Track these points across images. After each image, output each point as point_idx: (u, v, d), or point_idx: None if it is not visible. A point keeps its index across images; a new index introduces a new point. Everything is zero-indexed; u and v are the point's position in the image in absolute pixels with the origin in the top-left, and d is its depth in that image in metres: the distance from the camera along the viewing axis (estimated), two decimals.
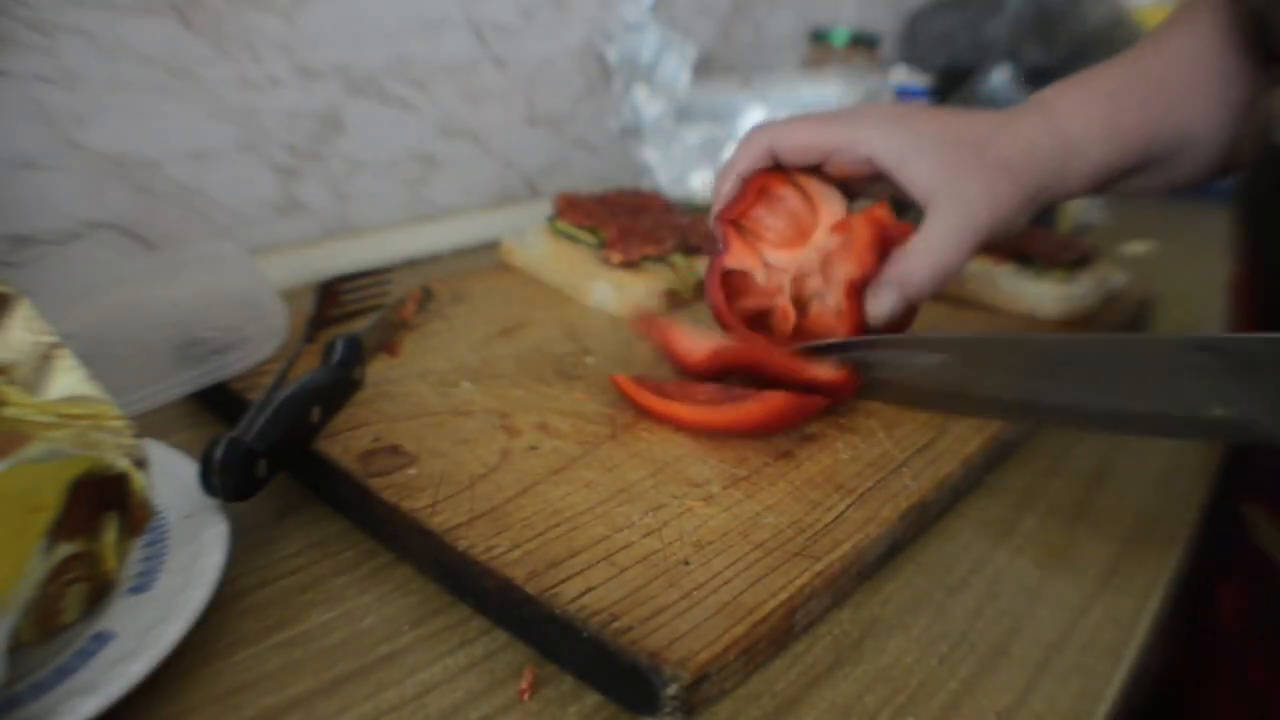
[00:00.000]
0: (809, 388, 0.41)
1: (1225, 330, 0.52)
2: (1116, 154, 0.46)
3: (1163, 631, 0.36)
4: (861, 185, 0.45)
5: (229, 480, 0.32)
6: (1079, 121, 0.45)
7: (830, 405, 0.42)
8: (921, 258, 0.41)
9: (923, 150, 0.41)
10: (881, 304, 0.41)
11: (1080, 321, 0.58)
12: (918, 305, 0.43)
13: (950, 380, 0.41)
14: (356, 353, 0.43)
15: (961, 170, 0.41)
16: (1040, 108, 0.45)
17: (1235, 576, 0.47)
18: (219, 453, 0.32)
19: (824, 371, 0.41)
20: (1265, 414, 0.33)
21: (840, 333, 0.43)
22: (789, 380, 0.41)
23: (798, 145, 0.43)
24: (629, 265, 0.58)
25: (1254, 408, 0.33)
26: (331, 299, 0.52)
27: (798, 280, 0.45)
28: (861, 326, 0.43)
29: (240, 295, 0.49)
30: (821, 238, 0.44)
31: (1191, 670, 0.49)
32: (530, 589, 0.30)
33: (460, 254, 0.72)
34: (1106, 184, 0.47)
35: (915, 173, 0.41)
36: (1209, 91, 0.47)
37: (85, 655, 0.27)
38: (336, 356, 0.42)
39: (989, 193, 0.41)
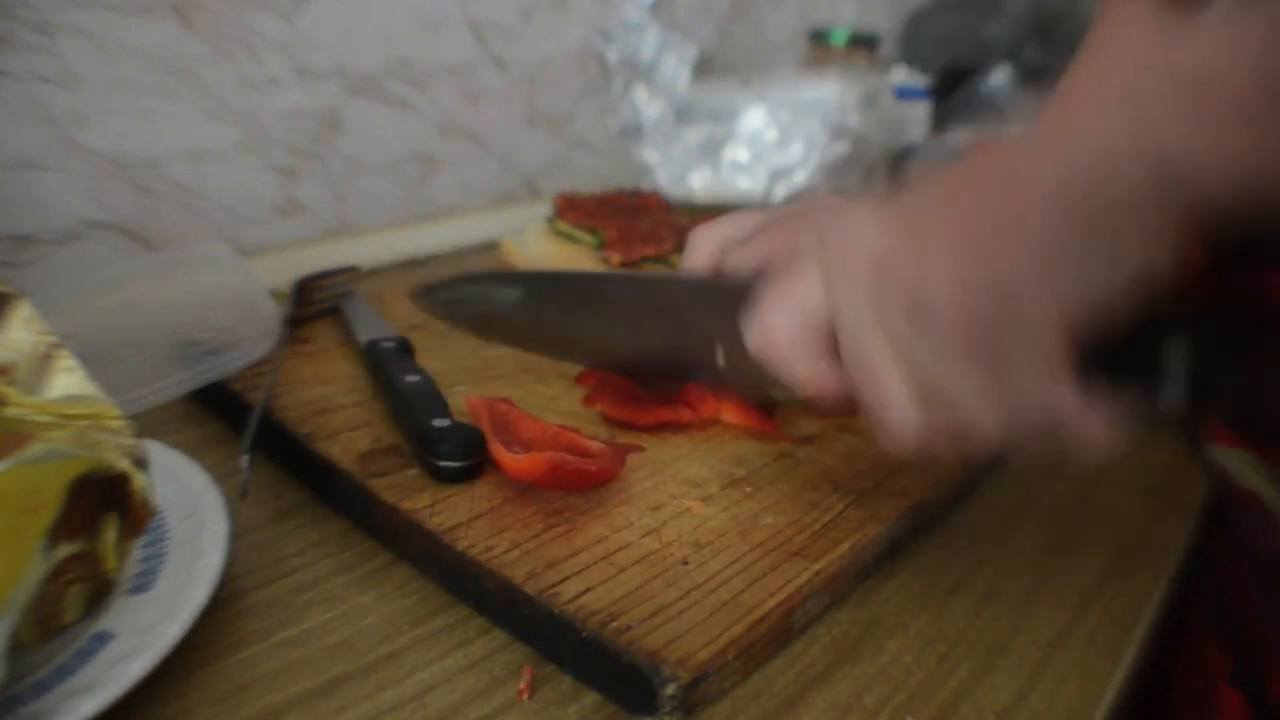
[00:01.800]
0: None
1: None
2: None
3: (1162, 631, 0.37)
4: None
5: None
6: None
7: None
8: None
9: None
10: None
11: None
12: None
13: (523, 315, 0.44)
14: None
15: None
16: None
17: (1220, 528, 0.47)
18: None
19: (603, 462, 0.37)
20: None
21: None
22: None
23: (784, 264, 0.42)
24: (628, 266, 0.58)
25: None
26: (305, 297, 0.52)
27: None
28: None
29: (234, 296, 0.49)
30: None
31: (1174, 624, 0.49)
32: (529, 589, 0.30)
33: (460, 254, 0.72)
34: None
35: None
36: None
37: (85, 655, 0.27)
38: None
39: None
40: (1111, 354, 0.26)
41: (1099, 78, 0.26)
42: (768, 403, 0.43)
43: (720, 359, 0.38)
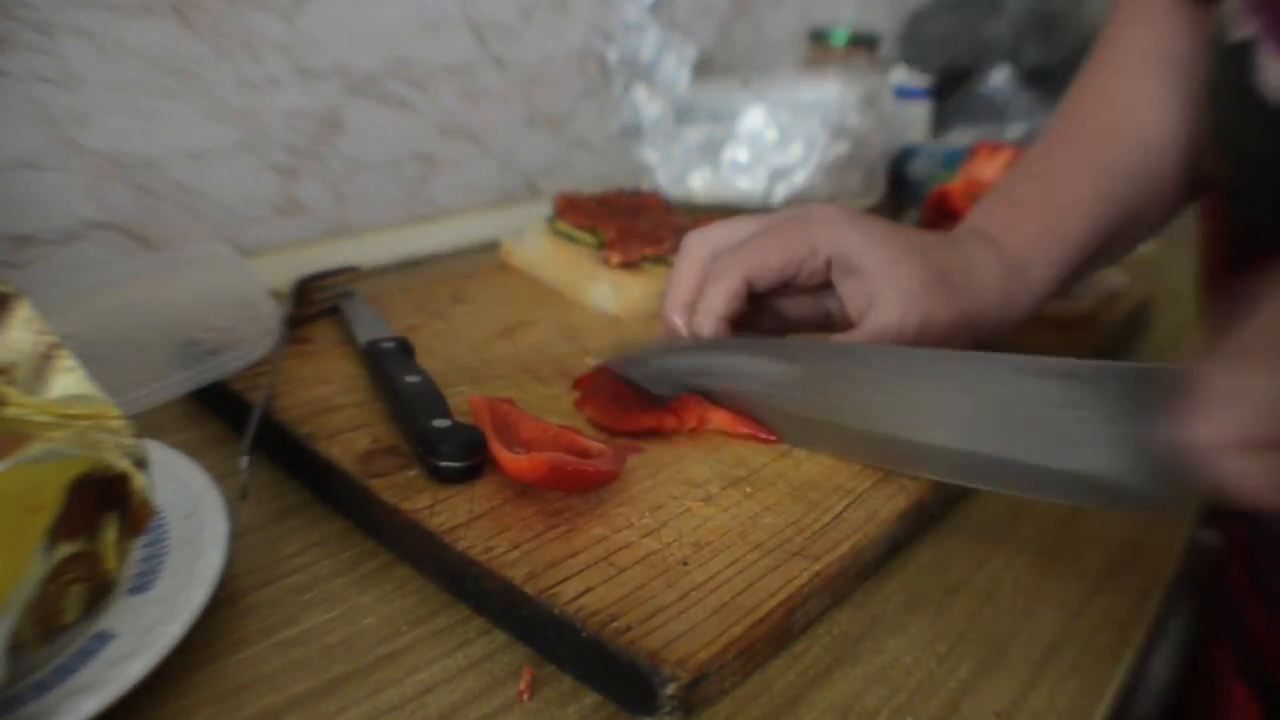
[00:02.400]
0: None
1: (1198, 278, 0.49)
2: (1062, 263, 0.45)
3: (1163, 630, 0.37)
4: (796, 304, 0.43)
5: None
6: (1017, 243, 0.44)
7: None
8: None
9: (874, 245, 0.40)
10: None
11: (1079, 322, 0.58)
12: None
13: (795, 399, 0.38)
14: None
15: (906, 267, 0.40)
16: (975, 235, 0.44)
17: (1236, 525, 0.47)
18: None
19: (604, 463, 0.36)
20: (1125, 465, 0.30)
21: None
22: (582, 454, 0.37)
23: (772, 270, 0.40)
24: (628, 266, 0.58)
25: (1114, 456, 0.30)
26: (305, 297, 0.52)
27: None
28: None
29: (234, 296, 0.49)
30: None
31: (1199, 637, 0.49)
32: (529, 589, 0.30)
33: (460, 254, 0.72)
34: (1068, 287, 0.46)
35: (869, 265, 0.40)
36: (1158, 125, 0.46)
37: (85, 655, 0.27)
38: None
39: (926, 293, 0.40)
40: None
41: None
42: None
43: (1084, 465, 0.32)
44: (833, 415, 0.38)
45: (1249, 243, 0.42)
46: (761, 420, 0.40)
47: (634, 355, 0.43)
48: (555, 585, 0.30)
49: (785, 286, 0.41)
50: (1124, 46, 0.49)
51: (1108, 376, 0.31)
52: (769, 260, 0.40)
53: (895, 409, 0.36)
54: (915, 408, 0.36)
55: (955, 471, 0.36)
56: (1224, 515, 0.47)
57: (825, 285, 0.42)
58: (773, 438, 0.40)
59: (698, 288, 0.42)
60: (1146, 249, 0.83)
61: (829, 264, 0.40)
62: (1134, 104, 0.47)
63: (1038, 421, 0.33)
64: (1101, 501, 0.32)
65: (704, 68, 0.90)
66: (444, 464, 0.36)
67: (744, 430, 0.40)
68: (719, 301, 0.40)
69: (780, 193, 0.78)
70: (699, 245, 0.42)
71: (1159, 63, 0.46)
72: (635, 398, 0.42)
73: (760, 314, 0.43)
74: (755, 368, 0.40)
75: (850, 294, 0.41)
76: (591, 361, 0.47)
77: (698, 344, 0.41)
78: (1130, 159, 0.46)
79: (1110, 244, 0.47)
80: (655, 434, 0.40)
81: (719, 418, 0.41)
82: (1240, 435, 0.26)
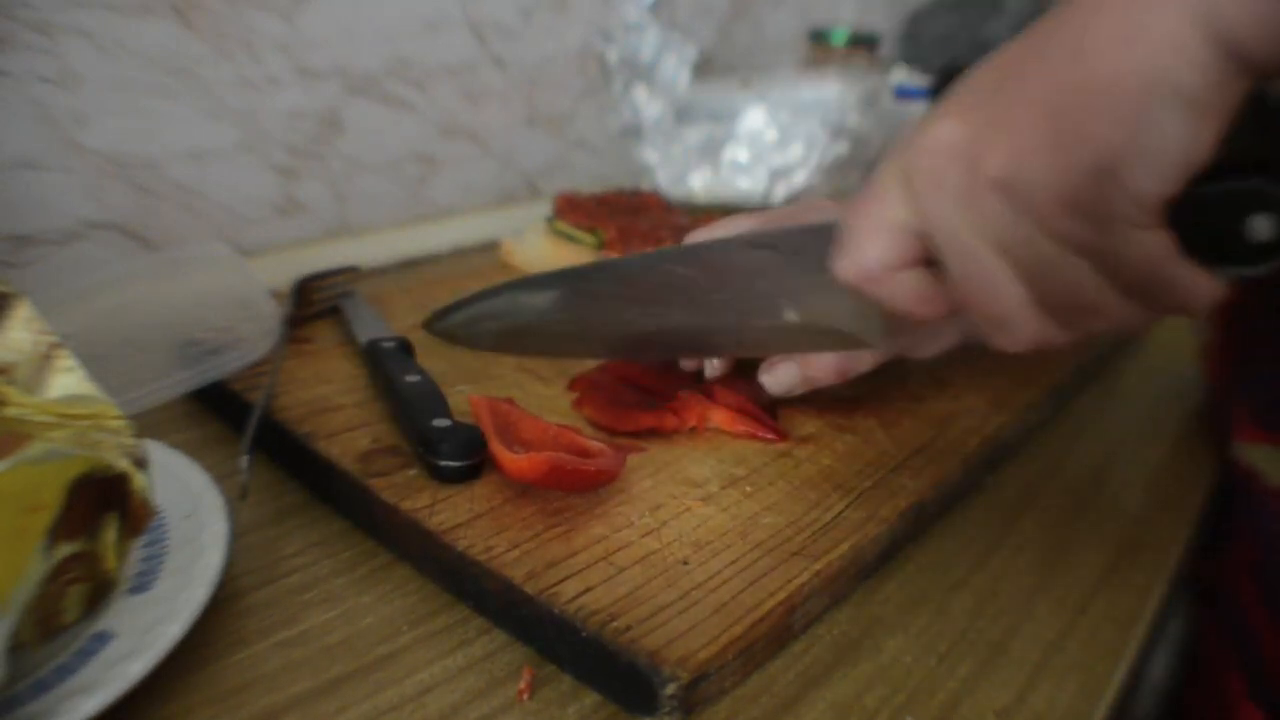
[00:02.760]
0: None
1: None
2: None
3: (1163, 630, 0.37)
4: None
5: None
6: None
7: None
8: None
9: None
10: (778, 378, 0.41)
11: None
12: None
13: (562, 320, 0.41)
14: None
15: None
16: None
17: (1238, 527, 0.47)
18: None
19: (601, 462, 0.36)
20: (834, 310, 0.35)
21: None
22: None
23: None
24: None
25: (822, 305, 0.35)
26: (305, 297, 0.52)
27: None
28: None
29: (234, 296, 0.49)
30: None
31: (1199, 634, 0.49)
32: (529, 589, 0.30)
33: (460, 254, 0.72)
34: None
35: None
36: None
37: (85, 655, 0.27)
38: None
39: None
40: (1199, 206, 0.26)
41: None
42: (770, 404, 0.42)
43: (793, 315, 0.37)
44: (592, 326, 0.41)
45: None
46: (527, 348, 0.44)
47: (440, 313, 0.45)
48: (555, 585, 0.30)
49: None
50: None
51: (794, 236, 0.35)
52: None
53: (624, 306, 0.40)
54: (645, 301, 0.40)
55: (693, 346, 0.41)
56: (1232, 537, 0.47)
57: None
58: (771, 436, 0.40)
59: None
60: None
61: None
62: None
63: (758, 287, 0.37)
64: (831, 344, 0.37)
65: (704, 68, 0.90)
66: (444, 463, 0.36)
67: (743, 429, 0.40)
68: None
69: (780, 193, 0.78)
70: None
71: None
72: (635, 397, 0.42)
73: None
74: (526, 299, 0.42)
75: None
76: (590, 362, 0.47)
77: (486, 290, 0.43)
78: None
79: None
80: (655, 433, 0.40)
81: (719, 417, 0.41)
82: (873, 264, 0.30)
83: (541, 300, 0.42)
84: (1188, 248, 0.26)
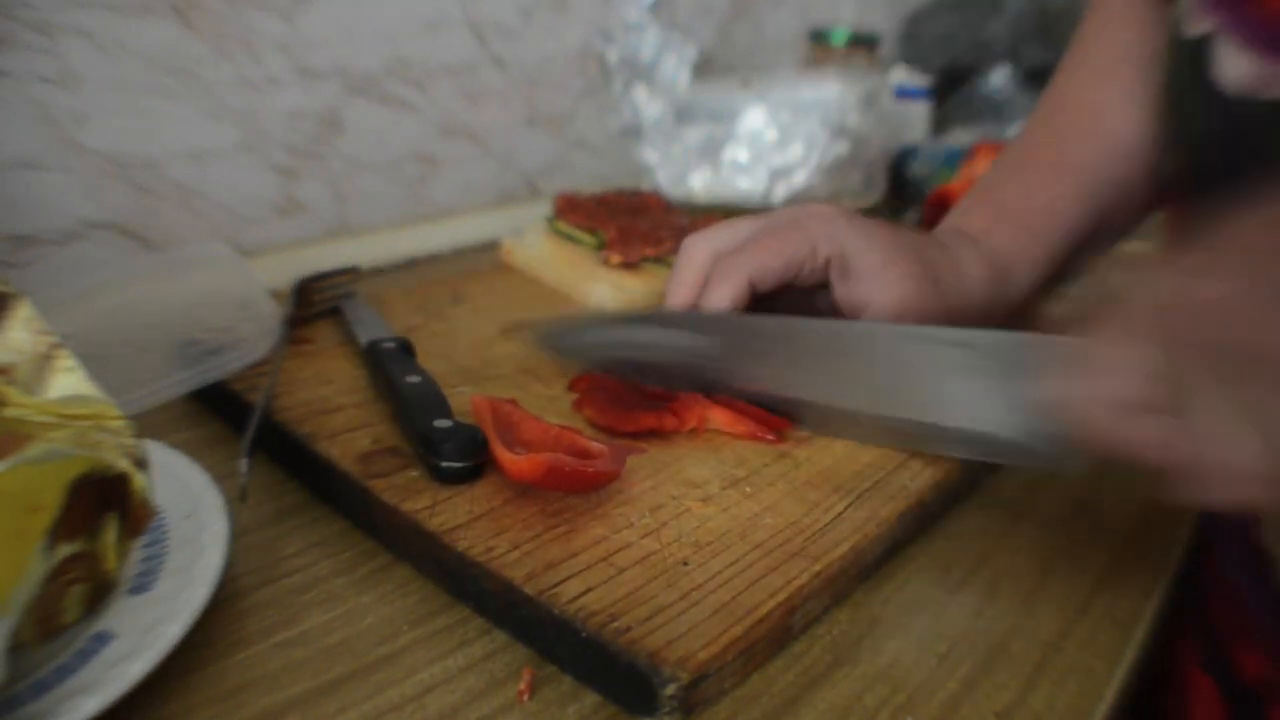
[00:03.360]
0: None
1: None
2: (1043, 263, 0.46)
3: (1162, 630, 0.37)
4: (790, 303, 0.43)
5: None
6: (999, 244, 0.45)
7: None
8: None
9: (872, 247, 0.40)
10: None
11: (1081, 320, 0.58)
12: None
13: (707, 368, 0.41)
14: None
15: (901, 269, 0.40)
16: (958, 236, 0.45)
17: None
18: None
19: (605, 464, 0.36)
20: (1015, 425, 0.34)
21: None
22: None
23: (774, 271, 0.41)
24: (628, 266, 0.58)
25: (1005, 416, 0.34)
26: (306, 298, 0.52)
27: None
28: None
29: (234, 296, 0.49)
30: None
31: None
32: (529, 590, 0.30)
33: (460, 254, 0.72)
34: (1048, 288, 0.47)
35: (866, 266, 0.40)
36: (1133, 126, 0.46)
37: (85, 655, 0.27)
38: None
39: (919, 295, 0.41)
40: None
41: None
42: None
43: (972, 423, 0.36)
44: (749, 383, 0.41)
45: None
46: (679, 386, 0.42)
47: (556, 329, 0.44)
48: (555, 585, 0.30)
49: (785, 287, 0.41)
50: (1100, 47, 0.49)
51: (1003, 345, 0.35)
52: (771, 262, 0.40)
53: (806, 376, 0.40)
54: (824, 374, 0.40)
55: (869, 434, 0.40)
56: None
57: (818, 284, 0.42)
58: (771, 437, 0.40)
59: (698, 290, 0.42)
60: (1142, 248, 0.84)
61: (827, 263, 0.41)
62: (1110, 105, 0.47)
63: (941, 386, 0.37)
64: (1009, 458, 0.36)
65: (704, 68, 0.90)
66: (446, 464, 0.36)
67: (743, 430, 0.40)
68: (724, 303, 0.40)
69: (780, 193, 0.78)
70: (699, 248, 0.42)
71: (1135, 63, 0.46)
72: (635, 398, 0.42)
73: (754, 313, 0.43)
74: (675, 340, 0.42)
75: (846, 294, 0.41)
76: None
77: (618, 317, 0.43)
78: (1106, 160, 0.47)
79: (1090, 242, 0.47)
80: (655, 434, 0.40)
81: (719, 417, 0.41)
82: (1111, 398, 0.29)
83: (683, 342, 0.41)
84: None
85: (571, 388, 0.44)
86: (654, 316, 0.43)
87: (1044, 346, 0.33)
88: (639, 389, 0.43)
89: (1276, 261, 0.27)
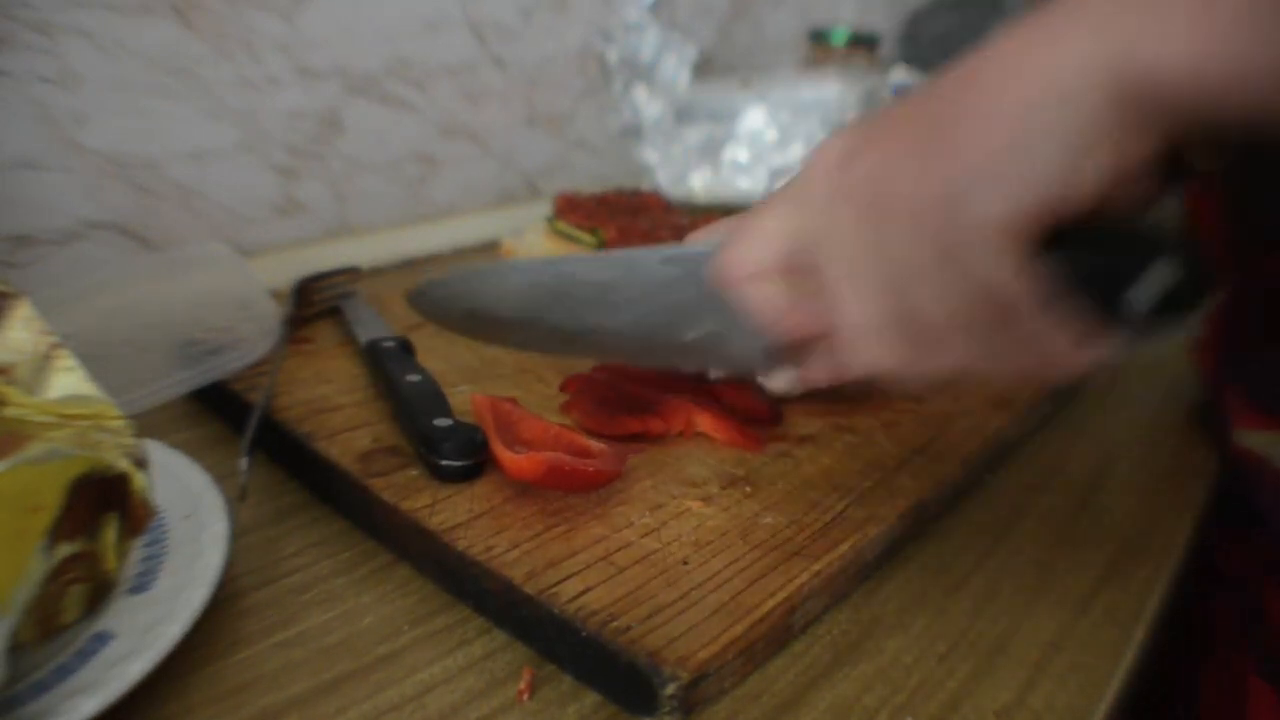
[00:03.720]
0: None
1: None
2: None
3: (1163, 630, 0.37)
4: None
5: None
6: None
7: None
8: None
9: None
10: (776, 379, 0.41)
11: None
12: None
13: (512, 308, 0.41)
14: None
15: None
16: None
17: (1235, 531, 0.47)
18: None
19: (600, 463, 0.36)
20: (729, 329, 0.34)
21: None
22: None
23: None
24: None
25: (719, 322, 0.35)
26: (306, 298, 0.52)
27: None
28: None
29: (234, 296, 0.49)
30: None
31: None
32: (529, 589, 0.30)
33: (460, 254, 0.72)
34: None
35: None
36: None
37: (85, 655, 0.27)
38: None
39: None
40: (1088, 266, 0.26)
41: None
42: (773, 404, 0.42)
43: (697, 332, 0.37)
44: (540, 319, 0.41)
45: (1253, 238, 0.43)
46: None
47: (424, 287, 0.44)
48: (555, 585, 0.30)
49: None
50: None
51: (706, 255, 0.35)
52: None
53: (568, 306, 0.40)
54: (591, 303, 0.39)
55: (622, 353, 0.41)
56: (1251, 524, 0.47)
57: None
58: (755, 446, 0.40)
59: None
60: None
61: None
62: None
63: (669, 301, 0.37)
64: (722, 365, 0.38)
65: (704, 68, 0.90)
66: (446, 463, 0.36)
67: (726, 436, 0.40)
68: None
69: None
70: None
71: None
72: (622, 402, 0.42)
73: None
74: (509, 287, 0.41)
75: None
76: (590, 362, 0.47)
77: (469, 271, 0.43)
78: None
79: None
80: (642, 438, 0.40)
81: (705, 422, 0.41)
82: (744, 264, 0.31)
83: (499, 287, 0.42)
84: (1073, 302, 0.26)
85: (563, 388, 0.44)
86: (494, 268, 0.43)
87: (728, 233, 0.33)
88: (626, 392, 0.43)
89: (890, 114, 0.28)
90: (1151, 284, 0.25)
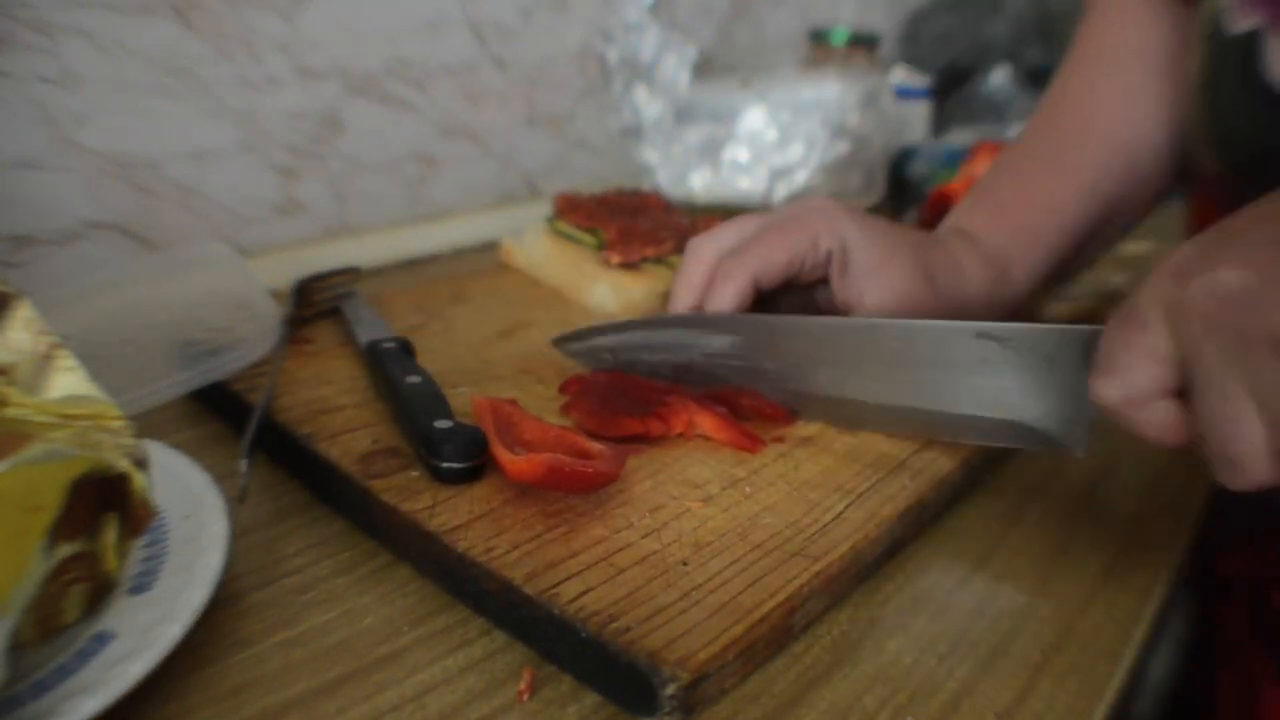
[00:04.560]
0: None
1: None
2: (1043, 262, 0.46)
3: (1163, 630, 0.37)
4: (789, 299, 0.44)
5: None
6: (999, 243, 0.45)
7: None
8: None
9: (870, 243, 0.41)
10: None
11: (1080, 320, 0.59)
12: None
13: (733, 366, 0.41)
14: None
15: (898, 266, 0.41)
16: (958, 234, 0.45)
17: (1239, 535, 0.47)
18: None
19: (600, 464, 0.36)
20: (1046, 415, 0.35)
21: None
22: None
23: (777, 267, 0.41)
24: (628, 267, 0.58)
25: (1036, 407, 0.35)
26: (306, 298, 0.52)
27: None
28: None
29: (234, 296, 0.49)
30: None
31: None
32: (529, 590, 0.30)
33: (460, 254, 0.72)
34: (1049, 286, 0.47)
35: (864, 262, 0.40)
36: (1136, 122, 0.46)
37: (85, 655, 0.27)
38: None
39: (915, 292, 0.41)
40: None
41: None
42: (789, 405, 0.42)
43: (990, 409, 0.37)
44: (776, 381, 0.41)
45: None
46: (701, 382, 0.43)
47: (578, 332, 0.45)
48: (555, 585, 0.30)
49: (787, 284, 0.41)
50: (1101, 44, 0.49)
51: (1033, 338, 0.35)
52: (775, 258, 0.40)
53: (811, 367, 0.40)
54: (851, 370, 0.39)
55: (894, 425, 0.40)
56: (1264, 528, 0.47)
57: (819, 280, 0.42)
58: (755, 448, 0.40)
59: (704, 291, 0.42)
60: (1142, 248, 0.83)
61: (828, 257, 0.41)
62: (1112, 102, 0.47)
63: (966, 377, 0.37)
64: (1028, 443, 0.37)
65: (704, 68, 0.90)
66: (446, 465, 0.36)
67: (727, 438, 0.40)
68: (728, 302, 0.41)
69: (781, 193, 0.78)
70: (706, 249, 0.42)
71: (1136, 60, 0.47)
72: (622, 403, 0.42)
73: (754, 310, 0.43)
74: (693, 339, 0.42)
75: (843, 288, 0.41)
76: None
77: (635, 322, 0.43)
78: (1108, 157, 0.47)
79: (1089, 242, 0.47)
80: (642, 440, 0.40)
81: (706, 423, 0.40)
82: (1137, 391, 0.30)
83: (714, 342, 0.42)
84: None
85: (562, 390, 0.44)
86: (673, 320, 0.43)
87: (1064, 336, 0.34)
88: (626, 393, 0.42)
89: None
90: None
